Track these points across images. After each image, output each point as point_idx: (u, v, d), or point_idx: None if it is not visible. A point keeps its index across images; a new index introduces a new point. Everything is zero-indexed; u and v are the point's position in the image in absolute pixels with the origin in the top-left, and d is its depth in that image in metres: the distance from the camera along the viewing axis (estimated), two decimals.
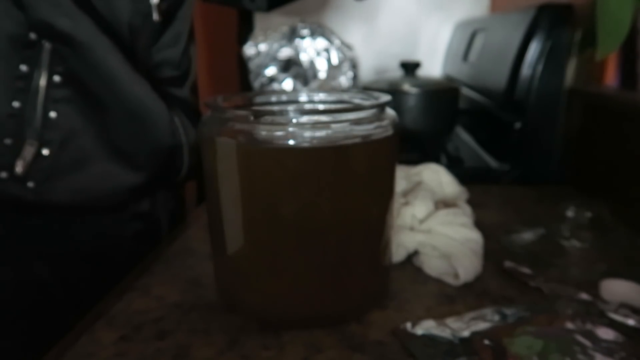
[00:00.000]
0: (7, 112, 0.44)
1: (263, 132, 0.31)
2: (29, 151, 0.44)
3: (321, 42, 1.05)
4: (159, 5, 0.51)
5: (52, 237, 0.51)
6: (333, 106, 0.41)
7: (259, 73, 1.06)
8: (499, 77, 0.73)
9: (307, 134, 0.31)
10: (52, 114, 0.45)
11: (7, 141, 0.44)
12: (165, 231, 0.59)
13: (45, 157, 0.45)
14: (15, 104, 0.44)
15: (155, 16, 0.52)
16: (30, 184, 0.45)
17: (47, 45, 0.45)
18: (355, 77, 1.07)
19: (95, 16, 0.47)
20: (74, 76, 0.46)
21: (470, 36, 0.98)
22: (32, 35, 0.45)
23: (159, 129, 0.52)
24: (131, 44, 0.50)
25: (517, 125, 0.68)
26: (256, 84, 1.07)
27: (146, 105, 0.50)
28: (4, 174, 0.44)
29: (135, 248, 0.54)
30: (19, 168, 0.44)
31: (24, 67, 0.44)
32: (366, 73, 1.19)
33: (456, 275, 0.40)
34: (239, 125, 0.32)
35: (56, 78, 0.45)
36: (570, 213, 0.52)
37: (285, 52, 1.05)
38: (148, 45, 0.53)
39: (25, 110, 0.44)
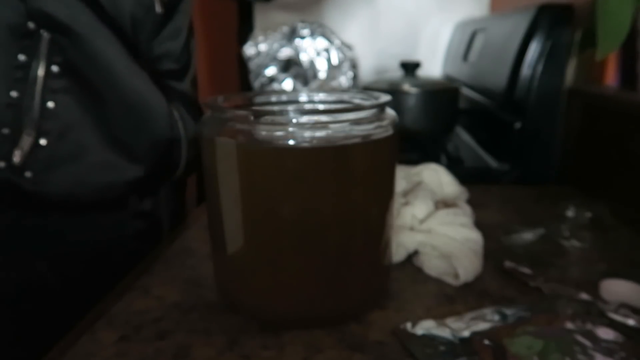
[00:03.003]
0: (5, 102, 0.44)
1: (263, 132, 0.31)
2: (26, 141, 0.44)
3: (321, 42, 1.05)
4: None
5: (53, 236, 0.51)
6: (333, 106, 0.41)
7: (259, 73, 1.06)
8: (499, 77, 0.73)
9: (307, 134, 0.31)
10: (50, 104, 0.45)
11: (5, 131, 0.44)
12: (166, 230, 0.59)
13: (43, 147, 0.45)
14: (13, 93, 0.44)
15: (158, 8, 0.52)
16: (28, 174, 0.45)
17: (45, 35, 0.45)
18: (355, 77, 1.07)
19: (96, 7, 0.47)
20: (72, 67, 0.46)
21: (470, 36, 0.98)
22: (31, 25, 0.45)
23: (157, 122, 0.52)
24: (132, 36, 0.50)
25: (517, 125, 0.68)
26: (256, 84, 1.07)
27: (144, 97, 0.50)
28: (1, 164, 0.45)
29: (136, 247, 0.54)
30: (16, 158, 0.44)
31: (22, 57, 0.44)
32: (366, 73, 1.19)
33: (456, 275, 0.40)
34: (239, 125, 0.32)
35: (54, 68, 0.45)
36: (570, 213, 0.52)
37: (285, 52, 1.05)
38: (149, 37, 0.53)
39: (23, 100, 0.44)
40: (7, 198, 0.48)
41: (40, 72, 0.44)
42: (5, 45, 0.44)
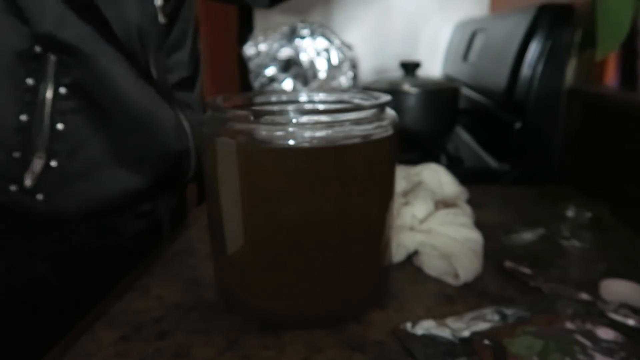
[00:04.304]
0: (15, 126, 0.44)
1: (263, 132, 0.31)
2: (37, 163, 0.45)
3: (321, 42, 1.05)
4: (163, 8, 0.52)
5: (54, 236, 0.51)
6: (333, 106, 0.41)
7: (259, 73, 1.06)
8: (499, 77, 0.73)
9: (307, 134, 0.31)
10: (60, 126, 0.45)
11: (16, 154, 0.45)
12: (167, 230, 0.60)
13: (53, 168, 0.46)
14: (23, 117, 0.44)
15: (161, 18, 0.52)
16: (40, 196, 0.45)
17: (52, 57, 0.45)
18: (355, 77, 1.07)
19: (101, 25, 0.47)
20: (79, 87, 0.46)
21: (470, 36, 0.98)
22: (37, 49, 0.45)
23: (165, 136, 0.52)
24: (140, 49, 0.50)
25: (517, 125, 0.68)
26: (256, 84, 1.07)
27: (152, 112, 0.51)
28: (13, 187, 0.45)
29: (137, 247, 0.54)
30: (28, 181, 0.44)
31: (30, 81, 0.44)
32: (366, 73, 1.19)
33: (456, 275, 0.40)
34: (239, 125, 0.32)
35: (62, 90, 0.45)
36: (570, 213, 0.52)
37: (285, 52, 1.05)
38: (156, 49, 0.53)
39: (33, 123, 0.45)
40: (19, 219, 0.48)
41: (49, 94, 0.45)
42: (13, 70, 0.44)
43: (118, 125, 0.49)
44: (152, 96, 0.51)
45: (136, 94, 0.49)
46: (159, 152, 0.52)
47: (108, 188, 0.50)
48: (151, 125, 0.51)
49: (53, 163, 0.45)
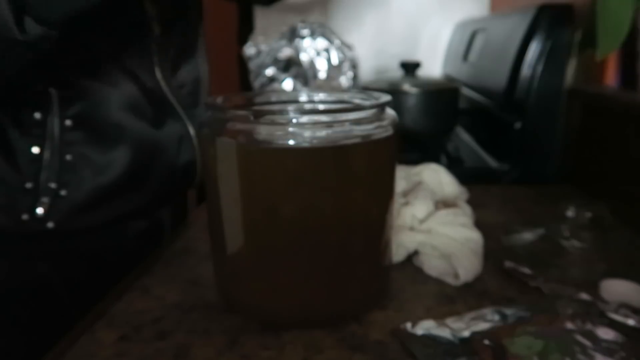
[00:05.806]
0: (27, 159, 0.46)
1: (263, 132, 0.31)
2: (48, 194, 0.46)
3: (321, 42, 1.04)
4: (157, 17, 0.52)
5: (54, 236, 0.51)
6: (333, 106, 0.41)
7: (259, 73, 1.06)
8: (499, 77, 0.73)
9: (307, 134, 0.31)
10: (68, 157, 0.47)
11: (28, 185, 0.46)
12: (167, 230, 0.60)
13: (63, 197, 0.47)
14: (35, 149, 0.46)
15: (156, 29, 0.52)
16: (50, 224, 0.47)
17: (54, 92, 0.46)
18: (355, 77, 1.07)
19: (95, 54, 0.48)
20: (82, 118, 0.48)
21: (470, 36, 0.98)
22: (40, 86, 0.46)
23: (170, 153, 0.54)
24: (140, 62, 0.51)
25: (517, 125, 0.68)
26: (256, 84, 1.07)
27: (155, 133, 0.52)
28: (25, 216, 0.46)
29: (137, 247, 0.54)
30: (39, 210, 0.46)
31: (37, 115, 0.46)
32: (366, 73, 1.19)
33: (456, 275, 0.40)
34: (239, 125, 0.32)
35: (68, 122, 0.47)
36: (570, 213, 0.52)
37: (285, 52, 1.05)
38: (161, 60, 0.53)
39: (44, 155, 0.46)
40: (30, 247, 0.49)
41: (56, 127, 0.46)
42: (22, 107, 0.46)
43: (123, 154, 0.50)
44: (155, 116, 0.52)
45: (135, 120, 0.50)
46: (164, 170, 0.54)
47: (115, 212, 0.51)
48: (155, 147, 0.52)
49: (63, 192, 0.47)
